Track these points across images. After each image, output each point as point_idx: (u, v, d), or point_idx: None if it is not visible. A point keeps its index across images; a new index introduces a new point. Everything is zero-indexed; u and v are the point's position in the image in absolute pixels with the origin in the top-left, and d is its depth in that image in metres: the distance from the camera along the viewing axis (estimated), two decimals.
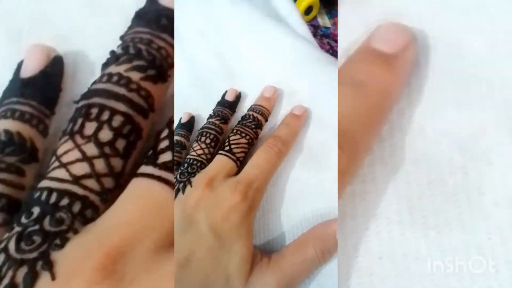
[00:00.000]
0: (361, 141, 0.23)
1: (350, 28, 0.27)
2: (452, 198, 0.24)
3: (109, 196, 0.23)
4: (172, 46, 0.27)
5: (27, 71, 0.27)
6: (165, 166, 0.22)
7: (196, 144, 0.30)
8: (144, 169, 0.23)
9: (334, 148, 0.22)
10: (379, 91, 0.24)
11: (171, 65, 0.26)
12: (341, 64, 0.25)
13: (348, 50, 0.26)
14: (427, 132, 0.25)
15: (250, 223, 0.27)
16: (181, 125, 0.34)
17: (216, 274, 0.25)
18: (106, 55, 0.26)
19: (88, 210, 0.22)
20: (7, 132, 0.25)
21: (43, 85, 0.27)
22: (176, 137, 0.32)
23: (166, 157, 0.23)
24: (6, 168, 0.24)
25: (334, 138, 0.22)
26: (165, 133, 0.24)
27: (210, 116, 0.33)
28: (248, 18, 0.37)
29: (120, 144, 0.23)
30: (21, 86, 0.27)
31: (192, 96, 0.36)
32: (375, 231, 0.24)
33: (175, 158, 0.30)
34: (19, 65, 0.28)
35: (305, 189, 0.31)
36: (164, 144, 0.23)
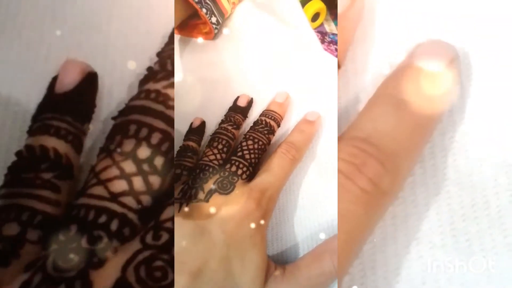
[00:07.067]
0: (404, 162, 0.23)
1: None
2: (497, 222, 0.23)
3: (146, 215, 0.22)
4: None
5: (62, 86, 0.27)
6: None
7: (208, 149, 0.30)
8: None
9: None
10: (423, 110, 0.23)
11: None
12: (382, 82, 0.24)
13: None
14: (469, 153, 0.24)
15: (263, 231, 0.26)
16: (192, 130, 0.33)
17: (229, 285, 0.24)
18: (143, 72, 0.26)
19: (126, 229, 0.22)
20: (42, 147, 0.24)
21: (78, 101, 0.27)
22: (187, 142, 0.32)
23: None
24: (41, 184, 0.24)
25: None
26: None
27: (222, 122, 0.32)
28: (261, 25, 0.38)
29: (159, 161, 0.23)
30: (56, 101, 0.27)
31: (203, 100, 0.36)
32: (417, 255, 0.23)
33: (187, 163, 0.29)
34: (53, 80, 0.28)
35: (319, 197, 0.30)
36: None
